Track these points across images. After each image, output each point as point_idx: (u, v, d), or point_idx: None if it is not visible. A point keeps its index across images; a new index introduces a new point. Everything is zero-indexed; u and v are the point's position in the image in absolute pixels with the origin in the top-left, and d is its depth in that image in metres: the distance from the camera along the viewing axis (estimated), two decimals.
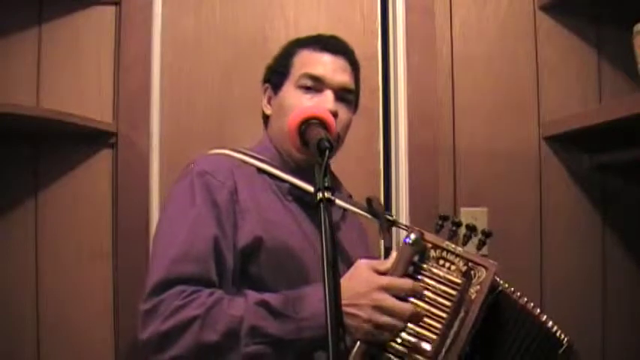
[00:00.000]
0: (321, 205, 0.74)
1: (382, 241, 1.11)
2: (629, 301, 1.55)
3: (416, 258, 0.89)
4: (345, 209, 1.12)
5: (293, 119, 0.91)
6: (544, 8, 1.56)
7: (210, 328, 0.85)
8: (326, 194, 0.74)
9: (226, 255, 0.94)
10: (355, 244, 1.12)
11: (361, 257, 0.95)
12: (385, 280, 0.86)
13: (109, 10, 1.46)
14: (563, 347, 0.91)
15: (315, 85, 1.05)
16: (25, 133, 1.40)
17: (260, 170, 1.05)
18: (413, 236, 0.88)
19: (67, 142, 1.42)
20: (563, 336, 0.92)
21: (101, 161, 1.44)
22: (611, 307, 1.54)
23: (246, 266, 0.96)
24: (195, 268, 0.91)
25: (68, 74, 1.44)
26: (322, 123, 0.90)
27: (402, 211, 1.51)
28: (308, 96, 1.04)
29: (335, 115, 1.01)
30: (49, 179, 1.42)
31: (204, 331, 0.85)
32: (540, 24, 1.57)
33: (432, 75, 1.52)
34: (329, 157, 0.81)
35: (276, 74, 1.11)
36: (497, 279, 0.91)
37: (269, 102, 1.13)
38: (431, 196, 1.51)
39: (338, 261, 0.70)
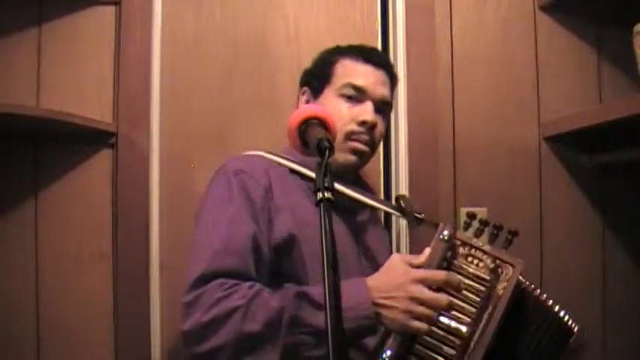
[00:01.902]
0: (321, 205, 0.74)
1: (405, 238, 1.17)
2: (629, 301, 1.55)
3: (448, 254, 0.93)
4: (372, 209, 1.17)
5: (293, 119, 0.91)
6: (544, 8, 1.56)
7: (251, 319, 0.87)
8: (326, 194, 0.74)
9: (263, 250, 0.98)
10: (380, 243, 1.18)
11: (385, 256, 0.99)
12: (420, 272, 0.89)
13: (109, 10, 1.46)
14: (574, 335, 0.96)
15: (357, 95, 1.10)
16: (25, 133, 1.40)
17: (292, 171, 1.08)
18: (446, 232, 0.93)
19: (67, 142, 1.42)
20: (574, 325, 0.96)
21: (101, 161, 1.44)
22: (611, 307, 1.54)
23: (279, 262, 1.00)
24: (235, 262, 0.94)
25: (68, 74, 1.44)
26: (322, 123, 0.90)
27: None
28: (349, 104, 1.10)
29: (374, 126, 1.10)
30: (49, 179, 1.42)
31: (245, 321, 0.87)
32: (540, 24, 1.57)
33: (432, 75, 1.52)
34: (328, 157, 0.81)
35: (317, 80, 1.16)
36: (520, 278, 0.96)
37: (306, 104, 1.16)
38: (431, 196, 1.51)
39: (338, 261, 0.71)
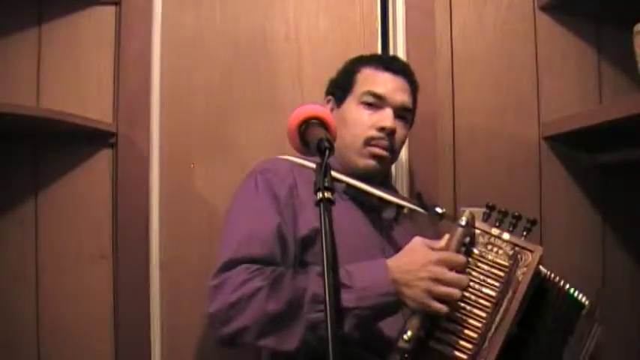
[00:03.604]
0: (321, 205, 0.74)
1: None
2: (629, 301, 1.55)
3: (467, 239, 0.96)
4: (400, 208, 1.21)
5: (293, 119, 0.92)
6: (544, 8, 1.56)
7: (274, 298, 0.92)
8: (326, 194, 0.75)
9: (289, 241, 1.03)
10: (407, 239, 1.16)
11: None
12: (441, 254, 0.92)
13: (109, 10, 1.46)
14: (586, 308, 1.00)
15: (377, 102, 1.15)
16: (25, 133, 1.40)
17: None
18: (464, 218, 0.96)
19: (67, 142, 1.42)
20: (585, 299, 1.00)
21: (101, 161, 1.44)
22: (611, 308, 1.54)
23: (304, 255, 1.04)
24: (261, 249, 1.00)
25: (68, 74, 1.44)
26: (322, 123, 0.91)
27: None
28: (369, 112, 1.15)
29: (393, 132, 1.14)
30: (49, 179, 1.42)
31: (269, 300, 0.91)
32: (540, 24, 1.57)
33: (432, 75, 1.52)
34: (328, 157, 0.81)
35: (340, 89, 1.22)
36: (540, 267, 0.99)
37: (330, 113, 1.18)
38: (431, 196, 1.50)
39: (338, 261, 0.72)
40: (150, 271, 1.42)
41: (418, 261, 0.91)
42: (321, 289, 0.87)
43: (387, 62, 1.20)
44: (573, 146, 1.55)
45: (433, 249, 0.94)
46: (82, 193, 1.43)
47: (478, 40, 1.55)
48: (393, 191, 1.29)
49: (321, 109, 0.94)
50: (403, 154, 1.51)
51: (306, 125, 0.91)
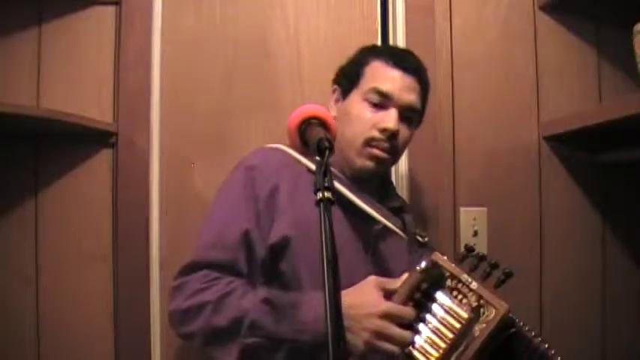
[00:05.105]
0: (321, 205, 0.74)
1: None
2: (629, 301, 1.55)
3: (424, 285, 0.91)
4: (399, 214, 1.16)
5: (293, 119, 0.92)
6: (544, 8, 1.56)
7: (220, 314, 0.94)
8: (326, 194, 0.74)
9: (257, 247, 1.01)
10: (398, 252, 1.14)
11: (400, 266, 1.00)
12: (389, 307, 0.89)
13: (109, 10, 1.46)
14: None
15: (382, 101, 1.09)
16: (25, 133, 1.40)
17: (310, 170, 1.09)
18: (424, 264, 0.91)
19: (67, 142, 1.42)
20: (553, 351, 0.91)
21: (101, 161, 1.44)
22: (611, 307, 1.54)
23: (277, 262, 1.02)
24: (224, 255, 1.00)
25: (68, 74, 1.44)
26: (322, 123, 0.90)
27: None
28: (373, 110, 1.09)
29: (396, 134, 1.08)
30: (49, 179, 1.42)
31: (214, 315, 0.94)
32: (540, 24, 1.57)
33: (432, 75, 1.50)
34: (328, 157, 0.81)
35: (347, 80, 1.16)
36: (514, 317, 0.92)
37: (336, 103, 1.17)
38: (431, 196, 1.51)
39: (338, 261, 0.71)
40: (150, 271, 1.42)
41: (365, 307, 0.89)
42: (260, 316, 0.92)
43: (398, 58, 1.13)
44: (573, 146, 1.55)
45: (386, 291, 0.91)
46: (82, 193, 1.43)
47: (478, 40, 1.55)
48: (391, 192, 1.25)
49: (321, 109, 0.94)
50: (403, 154, 1.51)
51: (306, 125, 0.90)
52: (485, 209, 1.51)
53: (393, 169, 1.53)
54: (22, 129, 1.36)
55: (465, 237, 1.50)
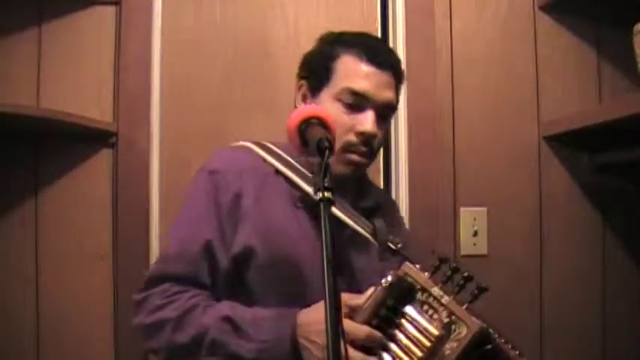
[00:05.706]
0: (321, 205, 0.73)
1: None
2: (629, 301, 1.55)
3: (390, 301, 0.86)
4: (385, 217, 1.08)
5: (293, 119, 0.91)
6: (544, 8, 1.56)
7: (181, 331, 0.92)
8: (326, 194, 0.73)
9: (220, 258, 0.98)
10: (370, 260, 1.06)
11: (371, 275, 0.94)
12: (351, 328, 0.83)
13: (109, 10, 1.46)
14: None
15: (357, 100, 1.00)
16: (25, 133, 1.40)
17: (278, 172, 1.04)
18: (390, 278, 0.85)
19: (67, 142, 1.42)
20: None
21: (101, 161, 1.44)
22: (611, 307, 1.54)
23: (242, 273, 0.98)
24: (186, 268, 0.97)
25: (68, 74, 1.44)
26: (322, 122, 0.90)
27: (401, 211, 1.51)
28: (348, 112, 1.01)
29: (374, 136, 1.01)
30: (49, 179, 1.42)
31: (175, 333, 0.93)
32: (540, 24, 1.57)
33: (432, 75, 1.52)
34: (329, 157, 0.80)
35: (315, 76, 1.05)
36: (491, 332, 0.86)
37: (304, 100, 1.08)
38: (431, 196, 1.51)
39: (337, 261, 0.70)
40: None
41: (320, 324, 0.79)
42: (221, 334, 0.90)
43: (371, 52, 1.02)
44: (573, 146, 1.55)
45: (351, 309, 0.86)
46: (82, 193, 1.43)
47: (478, 40, 1.55)
48: (366, 190, 1.15)
49: (321, 108, 0.93)
50: (403, 154, 1.51)
51: (306, 125, 0.89)
52: (485, 209, 1.51)
53: (393, 169, 1.53)
54: (22, 129, 1.36)
55: (465, 237, 1.50)
